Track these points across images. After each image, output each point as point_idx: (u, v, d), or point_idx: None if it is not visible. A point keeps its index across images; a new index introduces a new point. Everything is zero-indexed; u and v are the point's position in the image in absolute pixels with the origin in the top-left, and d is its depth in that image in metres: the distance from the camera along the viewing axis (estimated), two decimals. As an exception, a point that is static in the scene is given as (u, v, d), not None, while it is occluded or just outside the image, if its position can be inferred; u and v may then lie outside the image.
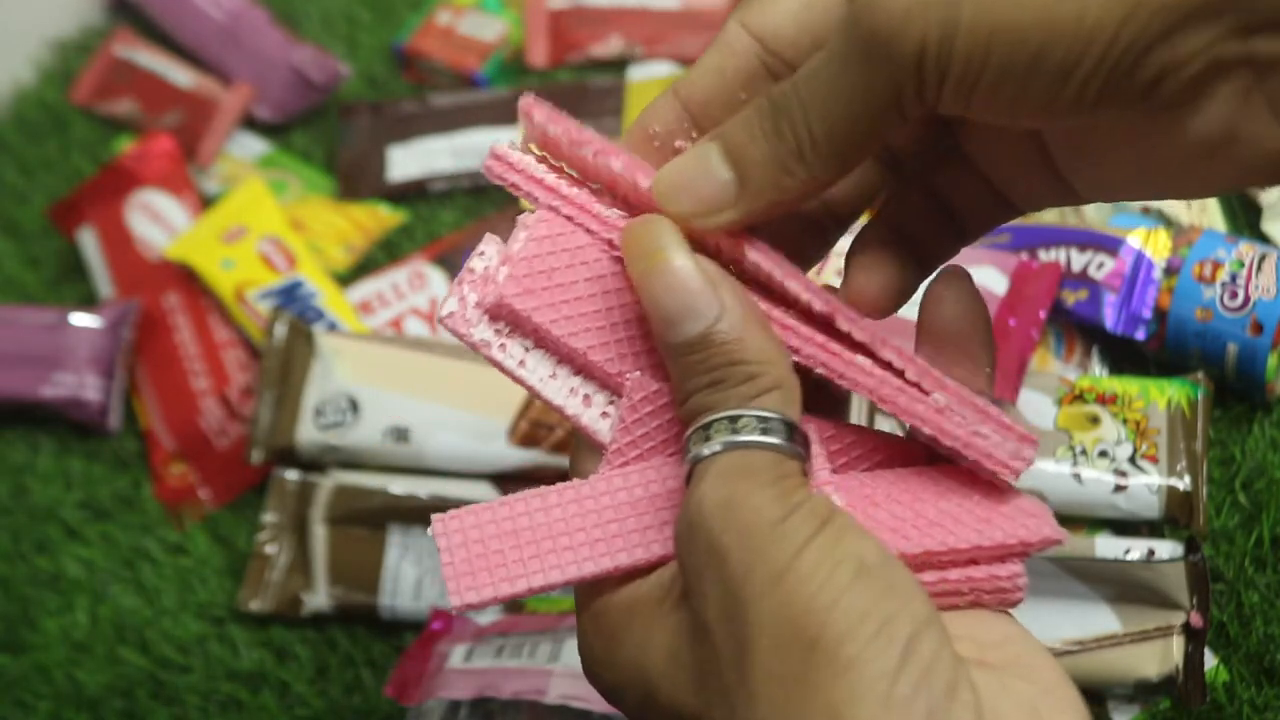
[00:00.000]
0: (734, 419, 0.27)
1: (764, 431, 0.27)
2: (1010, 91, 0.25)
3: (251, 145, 0.80)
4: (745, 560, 0.25)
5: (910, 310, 0.31)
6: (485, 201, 0.76)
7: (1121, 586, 0.51)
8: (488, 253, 0.31)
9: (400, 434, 0.61)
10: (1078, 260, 0.61)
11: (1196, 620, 0.50)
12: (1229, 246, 0.58)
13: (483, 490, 0.60)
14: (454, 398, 0.61)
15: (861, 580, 0.24)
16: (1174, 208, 0.64)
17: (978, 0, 0.24)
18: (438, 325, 0.50)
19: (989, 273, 0.61)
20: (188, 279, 0.71)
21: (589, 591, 0.30)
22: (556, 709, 0.50)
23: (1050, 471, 0.55)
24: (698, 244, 0.31)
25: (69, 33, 0.89)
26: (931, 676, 0.24)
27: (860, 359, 0.29)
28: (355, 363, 0.63)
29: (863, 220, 0.33)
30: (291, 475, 0.62)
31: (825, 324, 0.30)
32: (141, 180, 0.75)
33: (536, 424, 0.60)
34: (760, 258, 0.29)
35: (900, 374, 0.29)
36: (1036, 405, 0.57)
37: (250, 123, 0.81)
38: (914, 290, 0.32)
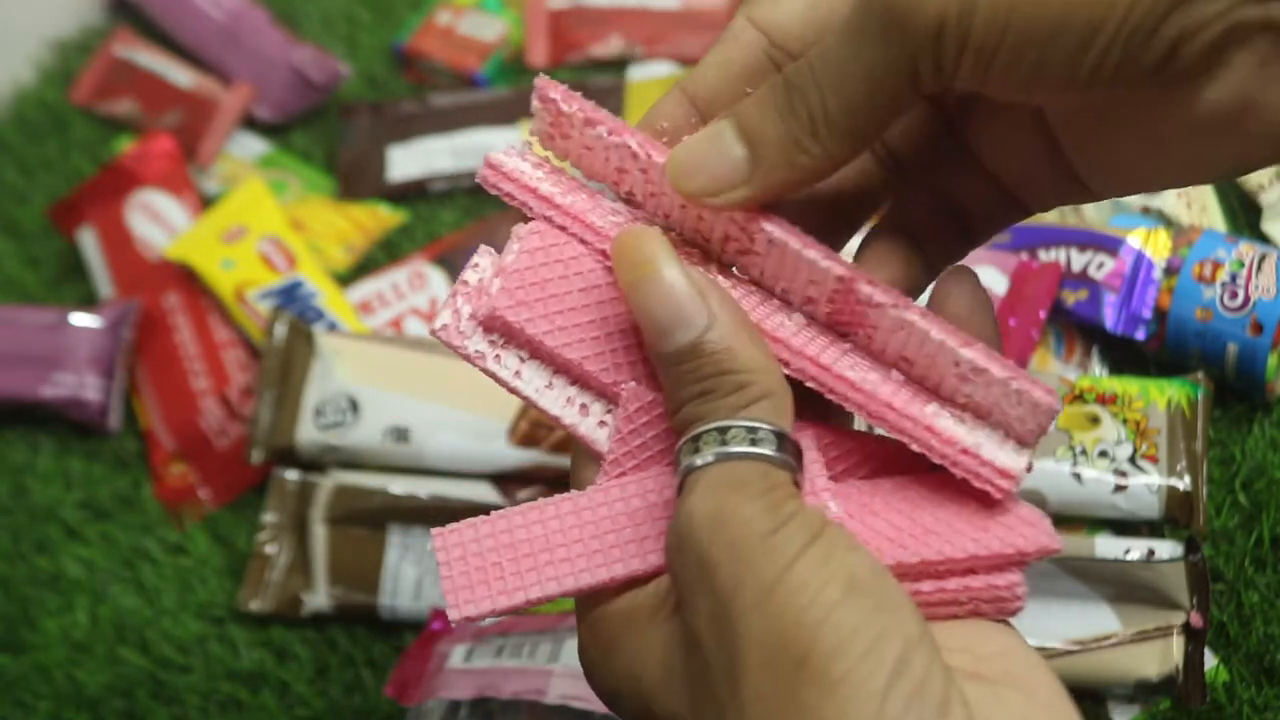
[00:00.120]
0: (723, 430, 0.27)
1: (753, 442, 0.26)
2: (1029, 63, 0.25)
3: (251, 145, 0.80)
4: (734, 573, 0.25)
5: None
6: (485, 201, 0.76)
7: (1121, 586, 0.51)
8: (481, 264, 0.31)
9: (400, 434, 0.61)
10: (1078, 260, 0.61)
11: (1196, 620, 0.50)
12: (1229, 246, 0.58)
13: (483, 490, 0.60)
14: (454, 398, 0.61)
15: (852, 596, 0.24)
16: (1174, 208, 0.64)
17: None
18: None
19: (989, 272, 0.61)
20: (188, 279, 0.71)
21: (588, 600, 0.30)
22: (556, 709, 0.50)
23: (1050, 471, 0.55)
24: (698, 245, 0.31)
25: (69, 33, 0.89)
26: (923, 693, 0.23)
27: (850, 373, 0.28)
28: (355, 363, 0.63)
29: (870, 223, 0.33)
30: (291, 475, 0.62)
31: (826, 328, 0.30)
32: (141, 180, 0.75)
33: (536, 424, 0.60)
34: (776, 230, 0.29)
35: (925, 336, 0.28)
36: (1036, 405, 0.56)
37: (250, 123, 0.81)
38: (921, 292, 0.32)
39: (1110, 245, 0.60)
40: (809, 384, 0.29)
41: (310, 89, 0.80)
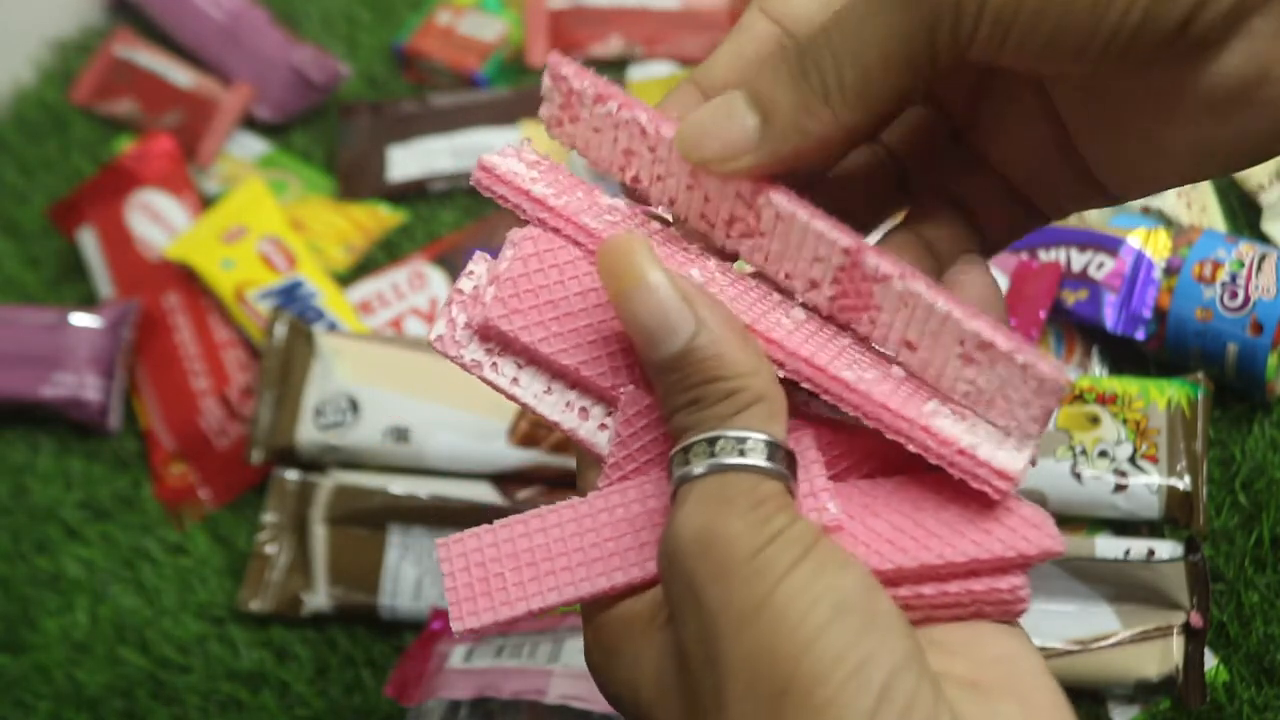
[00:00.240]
0: (712, 441, 0.26)
1: (742, 453, 0.26)
2: (1046, 31, 0.25)
3: (251, 145, 0.80)
4: (720, 594, 0.24)
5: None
6: (485, 202, 0.75)
7: (1121, 586, 0.51)
8: (477, 272, 0.31)
9: (400, 434, 0.61)
10: (1078, 260, 0.61)
11: (1196, 620, 0.50)
12: (1229, 246, 0.58)
13: (483, 490, 0.60)
14: (454, 398, 0.61)
15: (840, 618, 0.24)
16: (1174, 208, 0.64)
17: None
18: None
19: (989, 273, 0.61)
20: (188, 279, 0.71)
21: (592, 604, 0.30)
22: (556, 709, 0.50)
23: (1050, 471, 0.55)
24: (701, 236, 0.31)
25: (69, 33, 0.89)
26: (910, 716, 0.23)
27: (846, 372, 0.28)
28: (355, 363, 0.63)
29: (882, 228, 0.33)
30: (291, 475, 0.62)
31: (827, 321, 0.30)
32: (141, 180, 0.75)
33: (536, 424, 0.60)
34: (783, 200, 0.29)
35: (930, 308, 0.28)
36: (1036, 405, 0.57)
37: (250, 123, 0.81)
38: None
39: (1110, 245, 0.60)
40: (804, 385, 0.29)
41: (310, 89, 0.80)
